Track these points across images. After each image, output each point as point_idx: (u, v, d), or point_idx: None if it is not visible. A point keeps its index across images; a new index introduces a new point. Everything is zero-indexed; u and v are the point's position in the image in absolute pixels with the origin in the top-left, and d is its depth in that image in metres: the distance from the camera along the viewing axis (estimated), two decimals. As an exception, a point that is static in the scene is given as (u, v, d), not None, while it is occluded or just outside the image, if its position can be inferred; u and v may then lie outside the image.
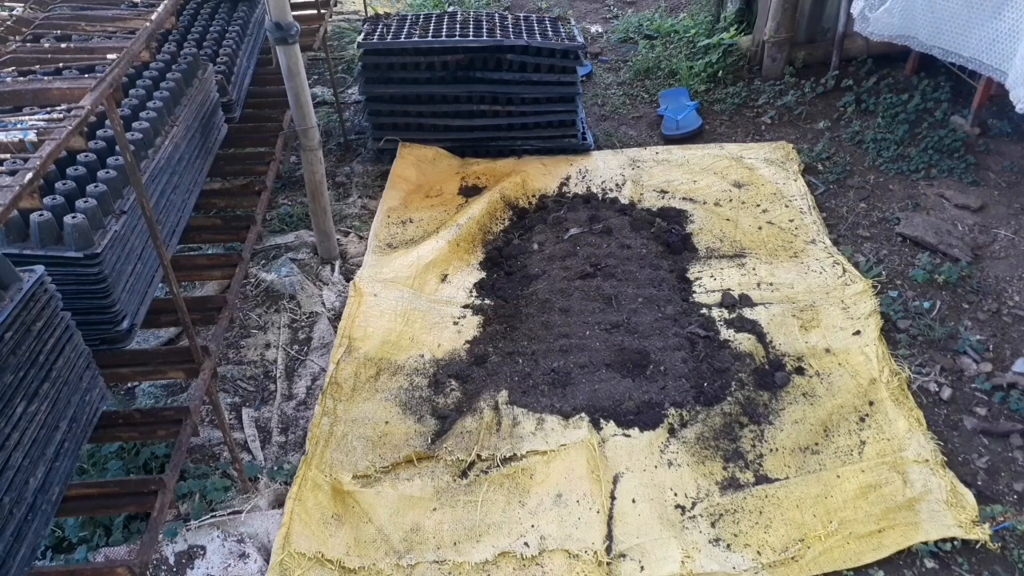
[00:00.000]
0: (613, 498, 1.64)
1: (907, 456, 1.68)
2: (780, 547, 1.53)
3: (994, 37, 2.24)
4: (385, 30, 2.74)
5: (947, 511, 1.58)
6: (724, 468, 1.69)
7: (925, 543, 1.54)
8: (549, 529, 1.58)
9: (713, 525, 1.58)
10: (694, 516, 1.59)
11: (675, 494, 1.64)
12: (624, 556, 1.53)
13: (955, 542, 1.54)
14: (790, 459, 1.70)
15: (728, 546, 1.54)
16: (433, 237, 2.41)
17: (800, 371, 1.91)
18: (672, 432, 1.77)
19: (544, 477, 1.68)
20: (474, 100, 2.77)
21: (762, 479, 1.66)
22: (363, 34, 2.72)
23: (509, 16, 2.90)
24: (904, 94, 2.90)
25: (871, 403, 1.82)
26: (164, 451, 1.75)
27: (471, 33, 2.68)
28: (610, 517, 1.60)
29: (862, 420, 1.78)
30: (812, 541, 1.53)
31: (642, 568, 1.51)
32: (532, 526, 1.59)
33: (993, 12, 2.21)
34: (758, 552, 1.53)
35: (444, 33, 2.70)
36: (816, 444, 1.73)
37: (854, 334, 2.00)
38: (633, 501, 1.62)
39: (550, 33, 2.77)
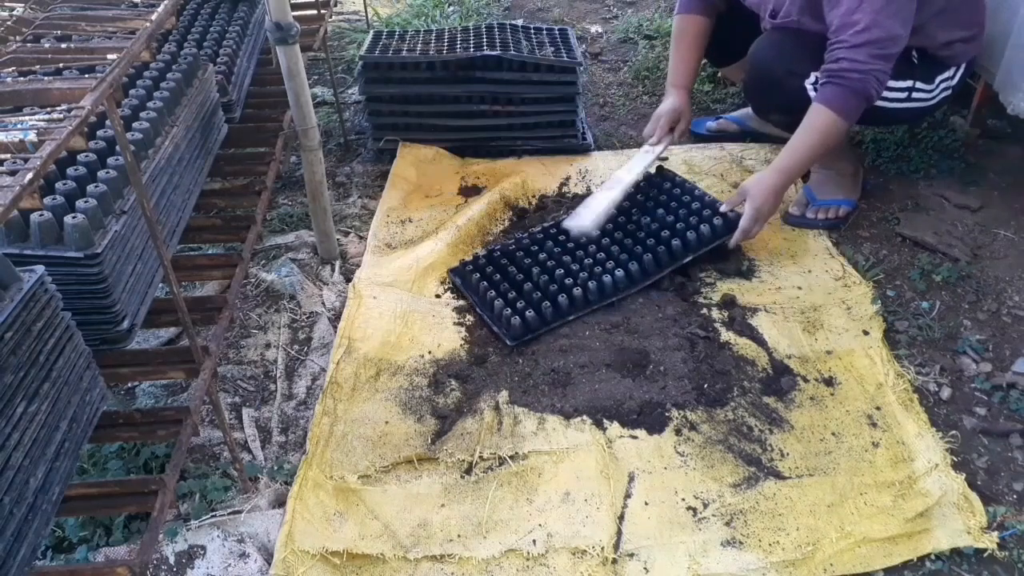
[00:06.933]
0: (628, 496, 1.64)
1: (918, 463, 1.67)
2: (792, 547, 1.53)
3: (986, 40, 2.23)
4: (384, 48, 2.75)
5: (958, 515, 1.57)
6: (735, 470, 1.68)
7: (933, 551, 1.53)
8: (557, 527, 1.58)
9: (728, 525, 1.57)
10: (706, 518, 1.59)
11: (683, 498, 1.63)
12: (632, 556, 1.53)
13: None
14: (802, 462, 1.69)
15: (740, 546, 1.54)
16: (432, 238, 2.41)
17: (804, 376, 1.90)
18: (679, 433, 1.77)
19: (552, 476, 1.69)
20: (474, 100, 2.77)
21: (775, 477, 1.66)
22: (364, 48, 2.74)
23: (508, 26, 2.91)
24: (904, 94, 2.90)
25: (878, 407, 1.81)
26: (164, 451, 1.75)
27: (472, 49, 2.69)
28: (621, 517, 1.60)
29: (873, 425, 1.77)
30: (824, 545, 1.52)
31: (646, 570, 1.51)
32: (540, 524, 1.59)
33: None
34: (768, 552, 1.52)
35: (445, 50, 2.71)
36: (828, 450, 1.72)
37: (861, 334, 2.00)
38: (646, 503, 1.62)
39: (547, 45, 2.80)
